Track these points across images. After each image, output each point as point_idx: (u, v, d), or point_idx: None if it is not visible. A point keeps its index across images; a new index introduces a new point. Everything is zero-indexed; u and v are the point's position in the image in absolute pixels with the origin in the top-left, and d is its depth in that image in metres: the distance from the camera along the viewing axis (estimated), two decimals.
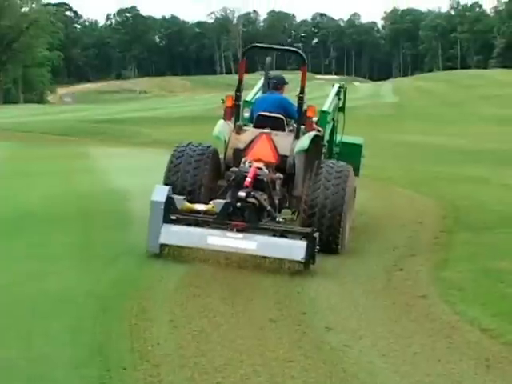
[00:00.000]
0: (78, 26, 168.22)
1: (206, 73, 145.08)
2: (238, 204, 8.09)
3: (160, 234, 7.96)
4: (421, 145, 27.00)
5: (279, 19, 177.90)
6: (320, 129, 9.82)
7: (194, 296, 6.76)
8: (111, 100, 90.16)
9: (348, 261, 8.60)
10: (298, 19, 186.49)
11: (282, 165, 9.09)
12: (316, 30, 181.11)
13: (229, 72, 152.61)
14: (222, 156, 9.41)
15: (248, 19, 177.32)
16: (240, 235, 7.92)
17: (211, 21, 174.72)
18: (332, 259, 8.44)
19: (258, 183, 8.43)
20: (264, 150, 9.03)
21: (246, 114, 9.93)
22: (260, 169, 8.63)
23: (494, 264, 8.42)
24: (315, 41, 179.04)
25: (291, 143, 9.19)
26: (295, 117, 9.52)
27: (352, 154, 11.08)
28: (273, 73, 11.15)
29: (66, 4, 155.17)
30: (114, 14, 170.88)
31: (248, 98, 10.49)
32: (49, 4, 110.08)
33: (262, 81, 11.05)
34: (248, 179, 8.30)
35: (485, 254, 8.99)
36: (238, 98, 9.59)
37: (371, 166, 12.48)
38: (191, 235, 7.98)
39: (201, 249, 8.01)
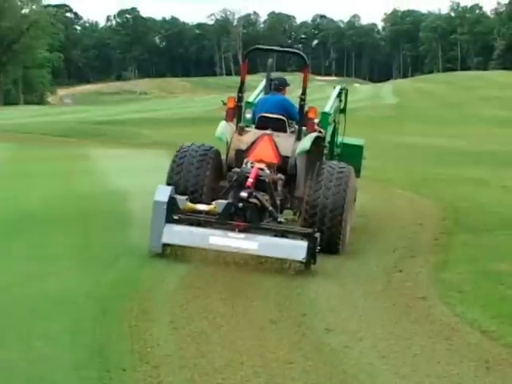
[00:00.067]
0: (79, 28, 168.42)
1: (206, 74, 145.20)
2: (240, 204, 8.15)
3: (162, 233, 8.01)
4: (421, 146, 26.99)
5: (279, 21, 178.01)
6: (321, 130, 9.87)
7: (194, 297, 6.76)
8: (111, 101, 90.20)
9: (348, 262, 8.60)
10: (298, 21, 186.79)
11: (283, 166, 9.16)
12: (316, 32, 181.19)
13: (229, 73, 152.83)
14: (224, 157, 9.46)
15: (248, 21, 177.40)
16: (242, 235, 7.97)
17: (211, 22, 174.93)
18: (332, 260, 8.45)
19: (260, 184, 8.49)
20: (266, 150, 9.10)
21: (248, 115, 9.98)
22: (262, 169, 8.70)
23: (493, 266, 8.42)
24: (315, 42, 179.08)
25: (293, 144, 9.26)
26: (297, 118, 9.59)
27: (353, 155, 11.13)
28: (273, 74, 11.17)
29: (66, 5, 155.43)
30: (115, 16, 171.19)
31: (250, 100, 10.55)
32: (49, 5, 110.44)
33: (263, 82, 11.08)
34: (250, 180, 8.35)
35: (485, 256, 8.99)
36: (240, 99, 9.65)
37: (371, 167, 12.49)
38: (193, 235, 8.03)
39: (202, 249, 8.03)
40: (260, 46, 11.15)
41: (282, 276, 7.69)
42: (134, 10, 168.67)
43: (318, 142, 9.49)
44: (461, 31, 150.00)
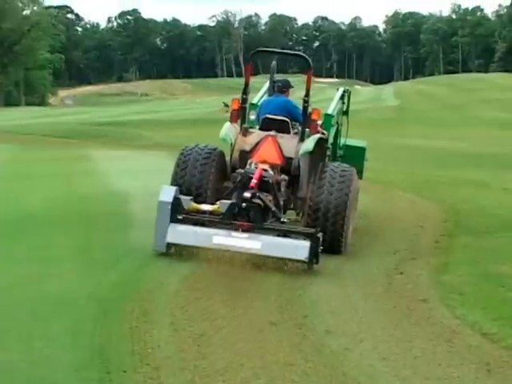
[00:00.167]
0: (80, 29, 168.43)
1: (208, 76, 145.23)
2: (244, 204, 8.25)
3: (167, 233, 8.10)
4: (422, 148, 26.98)
5: (281, 22, 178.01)
6: (324, 132, 9.96)
7: (194, 299, 6.76)
8: (112, 102, 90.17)
9: (349, 264, 8.60)
10: (300, 22, 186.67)
11: (287, 166, 9.27)
12: (317, 34, 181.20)
13: (230, 75, 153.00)
14: (228, 158, 9.56)
15: (249, 22, 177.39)
16: (245, 235, 8.05)
17: (213, 24, 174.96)
18: (333, 262, 8.45)
19: (264, 184, 8.59)
20: (269, 151, 9.19)
21: (252, 117, 10.08)
22: (265, 170, 8.79)
23: (494, 268, 8.42)
24: (316, 44, 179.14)
25: (296, 145, 9.35)
26: (300, 119, 9.66)
27: (355, 156, 11.23)
28: (276, 76, 11.23)
29: (67, 6, 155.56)
30: (116, 17, 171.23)
31: (254, 101, 10.64)
32: (50, 6, 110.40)
33: (267, 84, 11.21)
34: (254, 180, 8.45)
35: (485, 258, 8.98)
36: (244, 100, 9.76)
37: (372, 169, 12.50)
38: (197, 235, 8.12)
39: (203, 250, 8.09)
40: (264, 49, 11.27)
41: (282, 278, 7.69)
42: (135, 11, 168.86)
43: (321, 143, 9.57)
44: (462, 33, 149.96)
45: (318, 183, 8.98)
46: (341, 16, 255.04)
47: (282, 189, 9.06)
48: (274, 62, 11.48)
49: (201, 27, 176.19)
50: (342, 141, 11.68)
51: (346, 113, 11.88)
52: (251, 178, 8.51)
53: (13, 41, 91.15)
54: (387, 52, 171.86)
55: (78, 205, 11.78)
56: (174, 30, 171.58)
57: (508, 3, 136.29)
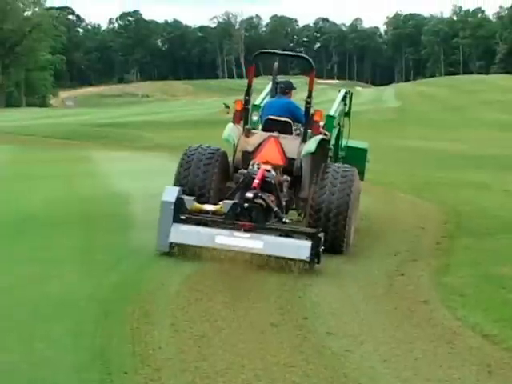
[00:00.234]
0: (81, 30, 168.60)
1: (208, 77, 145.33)
2: (246, 205, 8.32)
3: (170, 233, 8.15)
4: (423, 150, 26.99)
5: (282, 24, 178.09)
6: (326, 133, 10.03)
7: (195, 300, 6.76)
8: (113, 104, 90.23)
9: (350, 265, 8.60)
10: (301, 24, 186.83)
11: (289, 167, 9.34)
12: (318, 35, 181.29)
13: (231, 76, 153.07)
14: (230, 158, 9.63)
15: (250, 24, 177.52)
16: (247, 235, 8.12)
17: (214, 25, 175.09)
18: (334, 263, 8.45)
19: (266, 185, 8.66)
20: (272, 152, 9.26)
21: (255, 118, 10.18)
22: (268, 171, 8.86)
23: (495, 270, 8.41)
24: (317, 45, 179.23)
25: (298, 146, 9.42)
26: (302, 121, 9.75)
27: (357, 158, 11.28)
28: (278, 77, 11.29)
29: (68, 8, 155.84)
30: (117, 18, 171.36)
31: (256, 102, 10.70)
32: (52, 8, 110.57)
33: (269, 85, 11.27)
34: (256, 181, 8.52)
35: (486, 260, 8.98)
36: (247, 102, 9.83)
37: (373, 170, 12.50)
38: (200, 234, 8.18)
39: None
40: (267, 50, 11.39)
41: (283, 279, 7.69)
42: (136, 12, 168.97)
43: (323, 144, 9.64)
44: (463, 35, 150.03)
45: (319, 184, 9.03)
46: (342, 17, 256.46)
47: (284, 189, 9.14)
48: (276, 64, 11.55)
49: (202, 28, 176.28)
50: (343, 142, 11.73)
51: (347, 114, 11.92)
52: (254, 178, 8.58)
53: (14, 42, 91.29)
54: (388, 53, 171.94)
55: (78, 206, 11.78)
56: (175, 31, 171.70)
57: (509, 5, 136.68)
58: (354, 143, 11.89)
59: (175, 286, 7.18)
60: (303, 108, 9.80)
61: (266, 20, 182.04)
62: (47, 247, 8.60)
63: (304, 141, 9.47)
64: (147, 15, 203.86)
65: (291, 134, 9.64)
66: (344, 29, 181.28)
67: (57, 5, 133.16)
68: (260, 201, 8.41)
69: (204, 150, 9.41)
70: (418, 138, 32.89)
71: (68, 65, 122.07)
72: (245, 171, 8.95)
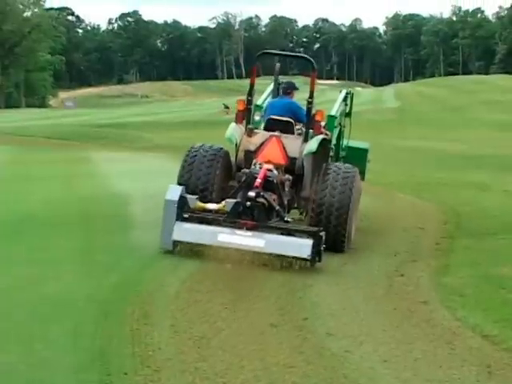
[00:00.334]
0: (80, 31, 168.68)
1: (208, 77, 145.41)
2: (248, 204, 8.42)
3: (173, 231, 8.24)
4: (422, 150, 27.00)
5: (281, 24, 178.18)
6: (328, 132, 10.10)
7: (195, 301, 6.75)
8: (113, 104, 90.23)
9: (349, 266, 8.60)
10: (300, 24, 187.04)
11: (291, 166, 9.44)
12: (318, 35, 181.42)
13: (230, 77, 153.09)
14: (233, 158, 9.73)
15: (250, 24, 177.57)
16: (249, 233, 8.21)
17: (213, 26, 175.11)
18: (333, 264, 8.45)
19: (268, 184, 8.75)
20: (274, 152, 9.36)
21: (257, 118, 10.28)
22: (270, 170, 8.94)
23: (495, 270, 8.41)
24: (317, 46, 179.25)
25: (300, 146, 9.53)
26: (304, 120, 9.84)
27: (358, 158, 11.35)
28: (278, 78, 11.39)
29: (68, 8, 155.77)
30: (116, 19, 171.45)
31: (258, 103, 10.79)
32: (51, 8, 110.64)
33: (271, 86, 11.39)
34: (258, 180, 8.61)
35: (486, 260, 8.98)
36: (249, 102, 9.95)
37: (373, 170, 12.50)
38: (202, 233, 8.27)
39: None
40: (269, 51, 11.53)
41: (283, 280, 7.69)
42: (135, 13, 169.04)
43: (324, 144, 9.74)
44: (462, 35, 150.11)
45: (321, 183, 9.14)
46: (341, 18, 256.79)
47: (286, 188, 9.23)
48: (278, 64, 11.66)
49: (201, 29, 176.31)
50: (344, 142, 11.83)
51: (348, 114, 12.03)
52: (256, 177, 8.67)
53: (13, 42, 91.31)
54: (387, 54, 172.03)
55: (77, 206, 11.78)
56: (175, 31, 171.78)
57: (508, 5, 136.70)
58: (354, 143, 11.98)
59: (175, 287, 7.17)
60: (305, 108, 9.88)
61: (265, 20, 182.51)
62: (46, 248, 8.59)
63: (306, 140, 9.58)
64: (146, 16, 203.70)
65: (293, 133, 9.74)
66: (343, 29, 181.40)
67: (56, 5, 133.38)
68: (262, 200, 8.52)
69: (207, 150, 9.51)
70: (418, 138, 32.90)
71: (67, 65, 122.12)
72: (247, 170, 9.04)
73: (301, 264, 8.07)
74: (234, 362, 5.29)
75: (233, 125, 9.78)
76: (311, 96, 9.80)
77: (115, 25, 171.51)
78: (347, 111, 12.01)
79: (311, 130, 9.66)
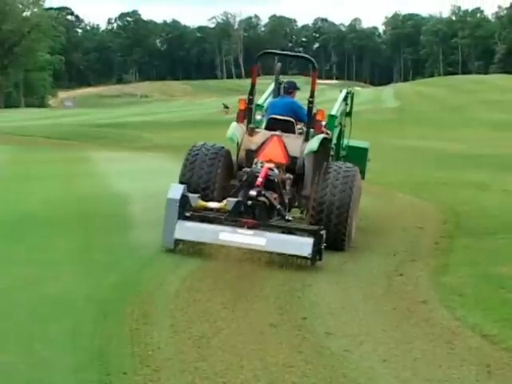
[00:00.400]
0: (80, 30, 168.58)
1: (207, 77, 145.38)
2: (249, 202, 8.50)
3: (175, 229, 8.30)
4: (421, 149, 26.99)
5: (280, 24, 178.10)
6: (328, 132, 10.18)
7: (194, 301, 6.75)
8: (112, 104, 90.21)
9: (349, 265, 8.61)
10: (300, 24, 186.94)
11: (291, 165, 9.52)
12: (317, 35, 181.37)
13: (230, 77, 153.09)
14: (234, 157, 9.79)
15: (249, 24, 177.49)
16: (250, 232, 8.27)
17: (212, 25, 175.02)
18: (333, 264, 8.45)
19: (269, 183, 8.81)
20: (275, 151, 9.44)
21: (258, 117, 10.35)
22: (271, 169, 9.01)
23: (494, 269, 8.41)
24: (316, 45, 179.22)
25: (301, 145, 9.61)
26: (305, 120, 9.93)
27: (358, 157, 11.42)
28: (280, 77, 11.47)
29: (67, 8, 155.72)
30: (116, 19, 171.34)
31: (259, 102, 10.85)
32: (51, 8, 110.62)
33: (272, 85, 11.48)
34: (259, 179, 8.66)
35: (485, 260, 8.98)
36: (250, 101, 10.01)
37: (372, 170, 12.50)
38: (204, 231, 8.33)
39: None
40: (271, 51, 11.64)
41: (282, 279, 7.69)
42: (135, 12, 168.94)
43: (325, 143, 9.82)
44: (462, 35, 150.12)
45: (322, 182, 9.22)
46: (340, 17, 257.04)
47: (287, 187, 9.30)
48: (278, 64, 11.76)
49: (200, 29, 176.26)
50: (345, 141, 11.90)
51: (349, 114, 12.10)
52: (257, 176, 8.73)
53: (13, 42, 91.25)
54: (387, 53, 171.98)
55: (77, 206, 11.77)
56: (174, 31, 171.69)
57: (508, 5, 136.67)
58: (354, 142, 12.07)
59: (174, 287, 7.17)
60: (306, 107, 9.95)
61: (264, 20, 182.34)
62: (45, 247, 8.59)
63: (306, 140, 9.66)
64: (146, 15, 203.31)
65: (294, 132, 9.83)
66: (343, 29, 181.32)
67: (56, 5, 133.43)
68: (263, 199, 8.57)
69: (208, 149, 9.58)
70: (417, 137, 32.89)
71: (67, 65, 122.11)
72: (248, 169, 9.10)
73: (301, 262, 8.11)
74: (233, 361, 5.29)
75: (234, 124, 9.84)
76: (312, 95, 9.88)
77: (114, 24, 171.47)
78: (347, 111, 12.07)
79: (312, 130, 9.72)
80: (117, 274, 7.55)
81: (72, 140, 28.52)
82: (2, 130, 32.15)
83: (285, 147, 9.49)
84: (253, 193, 8.50)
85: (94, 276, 7.44)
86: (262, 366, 5.26)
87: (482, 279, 8.00)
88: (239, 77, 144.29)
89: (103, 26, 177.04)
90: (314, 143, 9.52)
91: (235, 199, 8.63)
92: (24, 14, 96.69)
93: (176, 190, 8.50)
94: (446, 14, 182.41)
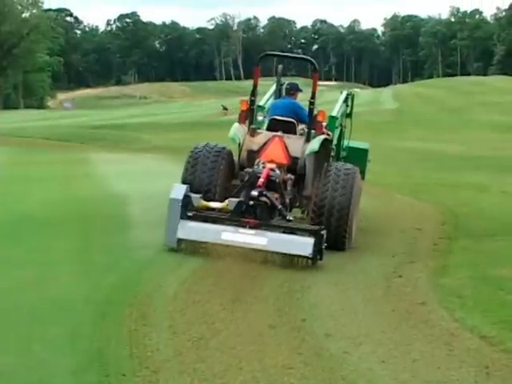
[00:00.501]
0: (79, 32, 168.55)
1: (206, 79, 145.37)
2: (251, 202, 8.56)
3: (177, 229, 8.37)
4: (420, 151, 27.00)
5: (279, 25, 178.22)
6: (329, 133, 10.28)
7: (193, 302, 6.75)
8: (111, 105, 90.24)
9: (348, 267, 8.60)
10: (299, 25, 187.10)
11: (293, 166, 9.60)
12: (316, 37, 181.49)
13: (229, 78, 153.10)
14: (236, 157, 9.87)
15: (248, 25, 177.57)
16: (252, 232, 8.34)
17: (211, 27, 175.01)
18: (332, 265, 8.44)
19: (271, 183, 8.89)
20: (276, 151, 9.51)
21: (260, 118, 10.44)
22: (273, 170, 9.08)
23: (493, 271, 8.41)
24: (315, 47, 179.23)
25: (302, 146, 9.70)
26: (306, 121, 10.00)
27: (358, 158, 11.49)
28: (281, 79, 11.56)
29: (66, 9, 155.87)
30: (115, 20, 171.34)
31: (261, 103, 10.92)
32: (49, 9, 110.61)
33: (273, 87, 11.57)
34: (261, 179, 8.75)
35: (484, 261, 8.98)
36: (252, 102, 10.09)
37: (371, 171, 12.52)
38: (206, 231, 8.40)
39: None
40: (272, 52, 11.85)
41: (281, 281, 7.69)
42: (134, 14, 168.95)
43: (325, 144, 9.90)
44: (461, 36, 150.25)
45: (322, 182, 9.28)
46: (339, 19, 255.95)
47: (288, 187, 9.38)
48: (280, 66, 11.86)
49: (199, 30, 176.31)
50: (345, 142, 11.97)
51: (349, 115, 12.19)
52: (259, 177, 8.81)
53: (12, 44, 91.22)
54: (386, 55, 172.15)
55: (76, 207, 11.77)
56: (173, 32, 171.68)
57: (506, 6, 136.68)
58: (355, 144, 12.15)
59: (173, 288, 7.17)
60: (307, 109, 10.03)
61: (263, 22, 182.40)
62: (44, 249, 8.59)
63: (308, 140, 9.74)
64: (145, 17, 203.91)
65: (295, 133, 9.91)
66: (342, 30, 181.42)
67: (54, 6, 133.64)
68: (265, 199, 8.64)
69: (210, 149, 9.65)
70: (416, 139, 32.90)
71: (66, 66, 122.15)
72: (250, 170, 9.16)
73: (302, 262, 8.17)
74: (232, 363, 5.29)
75: (236, 125, 9.93)
76: (313, 97, 9.98)
77: (113, 26, 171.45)
78: (348, 112, 12.16)
79: (313, 131, 9.80)
80: (116, 274, 7.55)
81: (71, 141, 28.53)
82: (1, 132, 32.16)
83: (286, 148, 9.56)
84: (254, 193, 8.57)
85: (92, 277, 7.44)
86: (261, 367, 5.26)
87: (481, 281, 8.00)
88: (238, 78, 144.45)
89: (102, 28, 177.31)
90: (314, 144, 9.59)
91: (237, 199, 8.70)
92: (23, 15, 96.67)
93: (179, 190, 8.57)
94: (444, 15, 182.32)
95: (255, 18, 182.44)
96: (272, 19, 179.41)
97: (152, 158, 21.66)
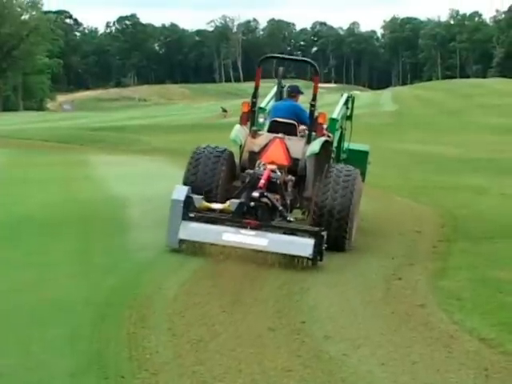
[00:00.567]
0: (78, 34, 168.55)
1: (205, 81, 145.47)
2: (252, 204, 8.62)
3: (179, 230, 8.43)
4: (420, 153, 26.98)
5: (279, 28, 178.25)
6: (330, 135, 10.32)
7: (193, 304, 6.75)
8: (110, 107, 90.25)
9: (347, 269, 8.60)
10: (298, 28, 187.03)
11: (293, 167, 9.66)
12: (315, 39, 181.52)
13: (228, 80, 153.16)
14: (237, 159, 9.94)
15: (248, 27, 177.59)
16: (253, 232, 8.40)
17: (211, 29, 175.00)
18: (331, 268, 8.45)
19: (272, 185, 8.95)
20: (277, 153, 9.57)
21: (261, 120, 10.51)
22: (273, 171, 9.14)
23: (492, 273, 8.42)
24: (315, 49, 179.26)
25: (303, 147, 9.77)
26: (307, 123, 10.08)
27: (359, 160, 11.53)
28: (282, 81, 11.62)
29: (66, 11, 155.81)
30: (114, 22, 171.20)
31: (262, 105, 11.00)
32: (49, 11, 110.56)
33: (274, 89, 11.62)
34: (262, 181, 8.81)
35: (483, 264, 8.98)
36: (253, 104, 10.17)
37: (371, 174, 12.51)
38: (208, 232, 8.46)
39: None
40: (273, 55, 11.90)
41: (280, 283, 7.69)
42: (133, 16, 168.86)
43: (326, 145, 9.95)
44: (460, 39, 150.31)
45: (323, 183, 9.33)
46: (339, 21, 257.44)
47: (289, 189, 9.44)
48: (281, 68, 11.93)
49: (199, 32, 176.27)
50: (345, 145, 12.01)
51: (349, 118, 12.23)
52: (260, 178, 8.87)
53: (11, 46, 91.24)
54: (385, 57, 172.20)
55: (75, 209, 11.77)
56: (172, 35, 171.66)
57: (506, 9, 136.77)
58: (355, 146, 12.20)
59: (172, 290, 7.17)
60: (308, 111, 10.09)
61: (263, 24, 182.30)
62: (44, 251, 8.59)
63: (308, 142, 9.82)
64: (144, 19, 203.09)
65: (296, 135, 9.98)
66: (341, 32, 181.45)
67: (54, 8, 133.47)
68: (266, 200, 8.70)
69: (212, 151, 9.72)
70: (415, 141, 32.88)
71: (65, 68, 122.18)
72: (251, 171, 9.22)
73: (302, 262, 8.21)
74: (231, 365, 5.29)
75: (237, 126, 10.00)
76: (314, 99, 10.06)
77: (113, 28, 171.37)
78: (348, 114, 12.19)
79: (314, 132, 9.87)
80: (115, 276, 7.56)
81: (70, 143, 28.49)
82: (1, 134, 32.12)
83: (287, 149, 9.62)
84: (255, 194, 8.62)
85: (92, 279, 7.44)
86: (261, 369, 5.26)
87: (480, 283, 8.00)
88: (238, 80, 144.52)
89: (102, 30, 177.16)
90: (315, 146, 9.64)
91: (238, 200, 8.76)
92: (22, 17, 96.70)
93: (180, 192, 8.64)
94: (444, 17, 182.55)
95: (255, 20, 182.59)
96: (271, 21, 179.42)
97: (151, 160, 21.63)
